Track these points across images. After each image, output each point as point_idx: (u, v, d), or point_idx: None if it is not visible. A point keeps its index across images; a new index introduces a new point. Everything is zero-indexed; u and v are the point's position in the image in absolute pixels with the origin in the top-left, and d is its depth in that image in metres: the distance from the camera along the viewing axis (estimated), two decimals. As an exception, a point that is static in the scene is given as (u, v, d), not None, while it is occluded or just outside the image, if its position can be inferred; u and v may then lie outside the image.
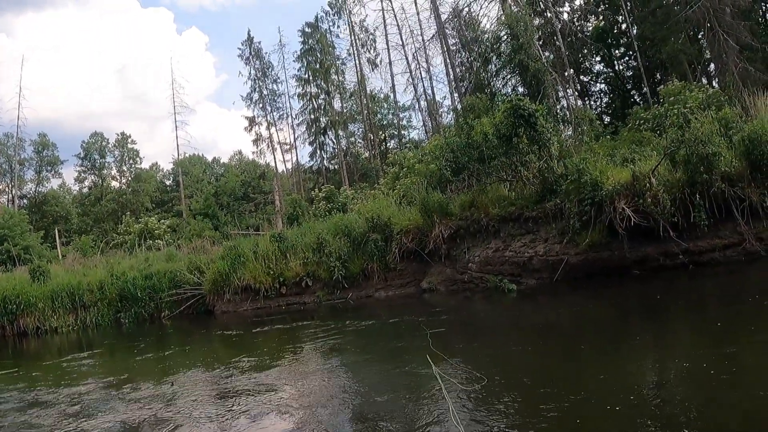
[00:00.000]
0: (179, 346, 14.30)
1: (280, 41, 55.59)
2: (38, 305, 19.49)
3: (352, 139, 55.09)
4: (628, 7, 31.61)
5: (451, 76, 38.27)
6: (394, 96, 51.02)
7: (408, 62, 46.06)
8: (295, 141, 55.66)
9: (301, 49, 52.11)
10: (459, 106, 32.11)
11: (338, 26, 52.73)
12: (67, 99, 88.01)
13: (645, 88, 30.96)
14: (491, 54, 30.97)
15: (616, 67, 36.80)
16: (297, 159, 58.45)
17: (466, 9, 35.61)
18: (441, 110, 46.24)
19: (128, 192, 62.01)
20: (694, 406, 5.46)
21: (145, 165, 69.08)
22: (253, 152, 58.29)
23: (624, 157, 15.81)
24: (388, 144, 55.30)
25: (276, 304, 17.90)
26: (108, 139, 65.10)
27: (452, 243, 16.01)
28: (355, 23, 49.73)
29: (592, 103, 38.13)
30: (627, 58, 35.63)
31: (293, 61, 53.42)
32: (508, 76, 30.18)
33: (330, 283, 17.41)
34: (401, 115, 54.12)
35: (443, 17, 37.81)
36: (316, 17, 52.04)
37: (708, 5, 24.05)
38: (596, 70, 37.88)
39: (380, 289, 17.02)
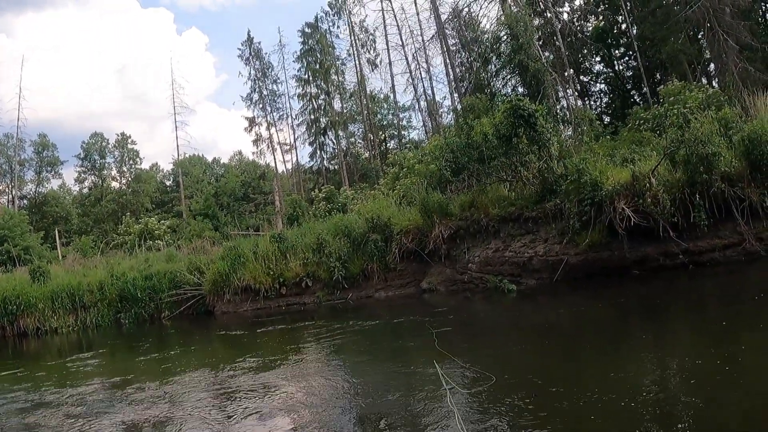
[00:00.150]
0: (181, 346, 14.29)
1: (280, 41, 55.67)
2: (38, 306, 19.47)
3: (352, 139, 55.10)
4: (628, 7, 31.61)
5: (451, 77, 38.30)
6: (394, 96, 51.10)
7: (408, 62, 46.14)
8: (295, 141, 55.73)
9: (301, 50, 52.16)
10: (459, 107, 32.12)
11: (338, 26, 52.80)
12: (67, 99, 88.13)
13: (645, 88, 30.96)
14: (491, 54, 31.00)
15: (616, 67, 36.82)
16: (297, 159, 58.52)
17: (466, 9, 35.65)
18: (441, 110, 46.31)
19: (128, 192, 62.01)
20: (694, 405, 5.46)
21: (145, 165, 69.22)
22: (253, 153, 58.35)
23: (624, 157, 15.82)
24: (388, 144, 55.31)
25: (276, 304, 17.90)
26: (108, 140, 65.20)
27: (452, 243, 16.02)
28: (355, 23, 49.80)
29: (592, 103, 38.18)
30: (627, 58, 35.65)
31: (293, 61, 53.51)
32: (508, 77, 30.21)
33: (330, 284, 17.42)
34: (401, 116, 54.19)
35: (443, 17, 37.86)
36: (316, 17, 52.07)
37: (708, 5, 24.05)
38: (596, 70, 37.93)
39: (380, 289, 17.02)
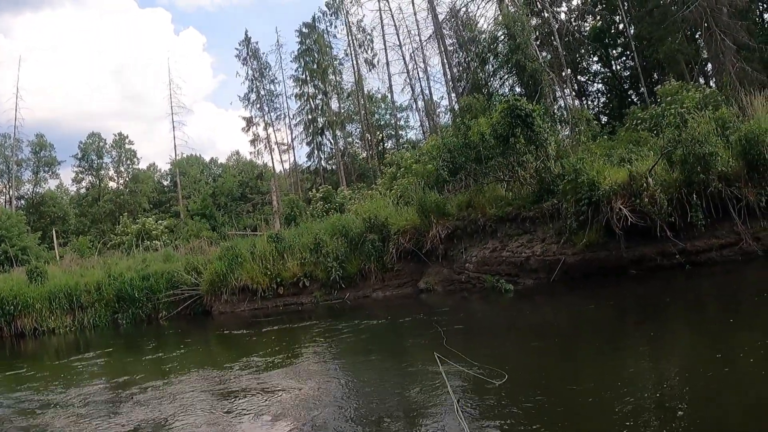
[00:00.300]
0: (180, 347, 14.24)
1: (278, 41, 55.72)
2: (36, 306, 19.44)
3: (350, 139, 55.06)
4: (626, 7, 31.68)
5: (449, 77, 38.35)
6: (392, 96, 51.13)
7: (405, 62, 46.15)
8: (292, 141, 55.64)
9: (298, 50, 52.09)
10: (456, 106, 32.18)
11: (335, 26, 52.70)
12: (65, 99, 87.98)
13: (642, 88, 30.99)
14: (488, 54, 31.05)
15: (614, 67, 36.90)
16: (294, 159, 58.52)
17: (464, 9, 35.63)
18: (438, 110, 46.37)
19: (126, 192, 61.93)
20: (693, 405, 5.46)
21: (143, 165, 69.21)
22: (251, 153, 58.21)
23: (621, 157, 15.80)
24: (386, 144, 55.33)
25: (273, 304, 17.88)
26: (105, 140, 65.17)
27: (449, 243, 16.01)
28: (353, 23, 49.72)
29: (590, 103, 38.26)
30: (624, 58, 35.73)
31: (290, 61, 53.46)
32: (506, 76, 30.29)
33: (327, 284, 17.40)
34: (399, 116, 54.25)
35: (440, 17, 37.90)
36: (314, 17, 52.00)
37: (705, 5, 24.11)
38: (593, 70, 38.04)
39: (377, 289, 17.01)
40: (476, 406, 6.23)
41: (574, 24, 35.26)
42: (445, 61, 38.31)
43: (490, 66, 31.63)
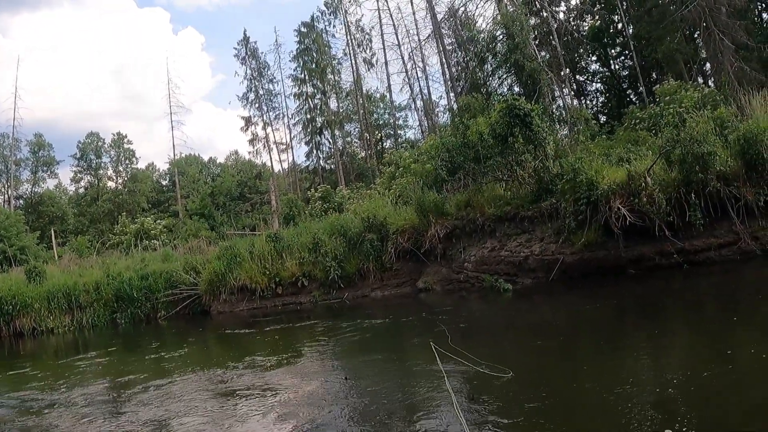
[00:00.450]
0: (180, 346, 14.18)
1: (276, 41, 55.58)
2: (34, 306, 19.45)
3: (349, 139, 55.07)
4: (624, 7, 31.70)
5: (447, 76, 38.32)
6: (390, 96, 51.02)
7: (404, 62, 46.15)
8: (291, 141, 55.64)
9: (297, 49, 52.07)
10: (455, 106, 32.13)
11: (334, 26, 52.68)
12: (64, 99, 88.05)
13: (641, 88, 31.01)
14: (487, 54, 31.05)
15: (612, 67, 36.89)
16: (293, 159, 58.61)
17: (462, 8, 35.68)
18: (437, 110, 46.37)
19: (124, 192, 61.92)
20: (692, 405, 5.45)
21: (142, 165, 69.20)
22: (250, 152, 58.22)
23: (620, 157, 15.82)
24: (384, 144, 55.26)
25: (272, 304, 17.89)
26: (104, 140, 65.15)
27: (448, 243, 16.02)
28: (351, 23, 49.66)
29: (588, 102, 38.27)
30: (623, 57, 35.74)
31: (289, 61, 53.45)
32: (504, 76, 30.30)
33: (326, 283, 17.41)
34: (397, 115, 54.17)
35: (439, 17, 37.90)
36: (312, 17, 51.96)
37: (704, 5, 24.14)
38: (592, 70, 38.03)
39: (376, 288, 17.01)
40: (477, 406, 6.22)
41: (572, 23, 35.28)
42: (444, 60, 38.32)
43: (489, 65, 31.66)
